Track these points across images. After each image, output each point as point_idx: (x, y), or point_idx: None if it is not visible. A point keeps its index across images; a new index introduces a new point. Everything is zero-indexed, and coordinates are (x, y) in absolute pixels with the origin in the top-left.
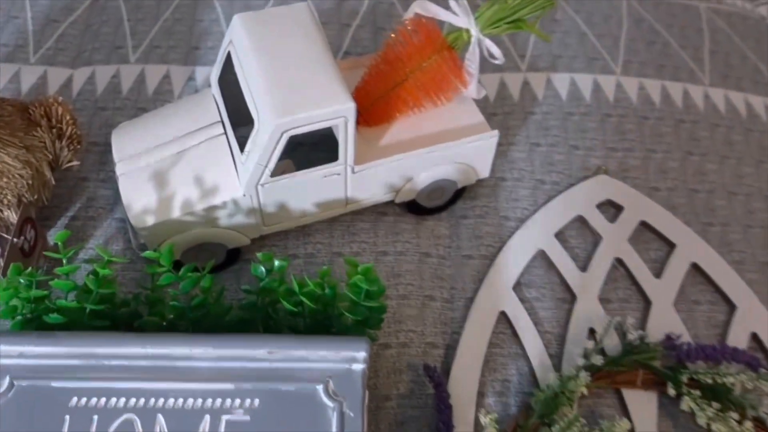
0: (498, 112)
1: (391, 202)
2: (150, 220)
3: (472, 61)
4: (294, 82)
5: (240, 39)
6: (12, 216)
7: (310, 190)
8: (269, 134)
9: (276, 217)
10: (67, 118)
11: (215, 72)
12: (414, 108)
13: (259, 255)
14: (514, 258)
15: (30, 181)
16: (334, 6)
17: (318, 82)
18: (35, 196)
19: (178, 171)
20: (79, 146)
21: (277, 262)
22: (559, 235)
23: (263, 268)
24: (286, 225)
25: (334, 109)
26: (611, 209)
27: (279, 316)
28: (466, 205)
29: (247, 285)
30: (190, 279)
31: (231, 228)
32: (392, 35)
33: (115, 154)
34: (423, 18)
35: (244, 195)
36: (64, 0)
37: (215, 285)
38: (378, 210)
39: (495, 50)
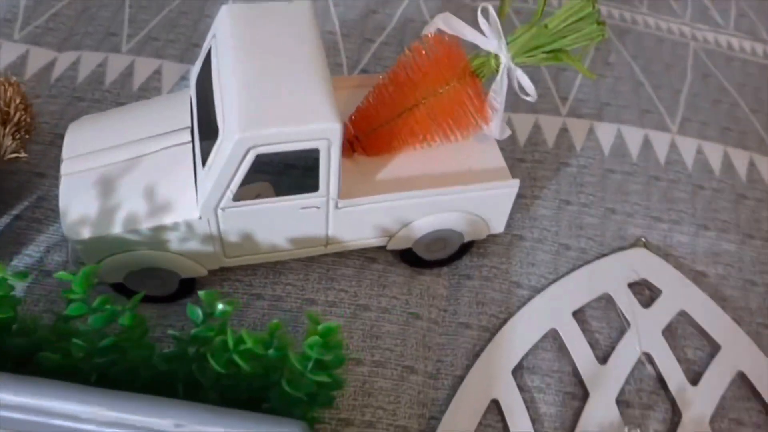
0: (527, 158)
1: (382, 247)
2: (86, 233)
3: (497, 94)
4: (272, 89)
5: (223, 33)
6: None
7: (283, 223)
8: (231, 149)
9: (239, 248)
10: (17, 101)
11: (195, 69)
12: (423, 141)
13: (201, 293)
14: (520, 334)
15: None
16: (358, 18)
17: (300, 94)
18: None
19: (128, 180)
20: (27, 136)
21: (220, 306)
22: (579, 314)
23: (200, 311)
24: (252, 259)
25: (313, 129)
26: (646, 291)
27: (207, 376)
28: (473, 262)
29: (175, 331)
30: (105, 313)
31: (184, 254)
32: (407, 51)
33: (64, 151)
34: (445, 36)
35: (201, 218)
36: None
37: (138, 325)
38: (366, 254)
39: (527, 83)
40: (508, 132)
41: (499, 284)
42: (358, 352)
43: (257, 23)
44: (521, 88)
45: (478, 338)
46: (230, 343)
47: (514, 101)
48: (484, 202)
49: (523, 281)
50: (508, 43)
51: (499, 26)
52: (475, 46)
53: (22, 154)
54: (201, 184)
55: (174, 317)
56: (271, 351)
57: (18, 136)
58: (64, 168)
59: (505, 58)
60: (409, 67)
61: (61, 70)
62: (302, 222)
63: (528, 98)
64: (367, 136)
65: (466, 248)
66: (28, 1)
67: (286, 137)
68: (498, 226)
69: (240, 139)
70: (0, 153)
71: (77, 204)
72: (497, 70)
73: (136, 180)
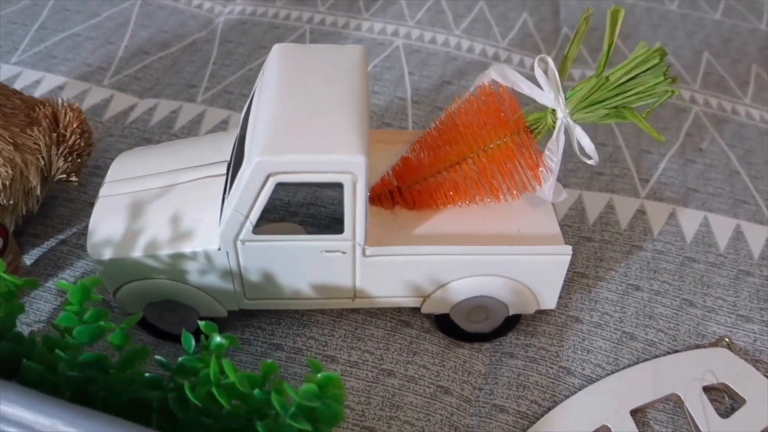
0: (595, 237)
1: (417, 310)
2: (107, 254)
3: (553, 153)
4: (303, 121)
5: (270, 68)
6: None
7: (306, 266)
8: (249, 173)
9: (260, 290)
10: (74, 125)
11: (245, 107)
12: (469, 198)
13: (201, 324)
14: (565, 427)
15: (7, 182)
16: (431, 87)
17: (331, 127)
18: (11, 201)
19: (157, 206)
20: (79, 161)
21: (218, 339)
22: (638, 414)
23: (192, 340)
24: (273, 304)
25: (336, 160)
26: (726, 399)
27: (184, 409)
28: (518, 340)
29: (165, 359)
30: (92, 326)
31: (202, 289)
32: (457, 101)
33: (108, 175)
34: (499, 88)
35: (220, 249)
36: (165, 36)
37: (128, 344)
38: (400, 316)
39: (587, 143)
40: (564, 195)
41: (546, 368)
42: (374, 420)
43: (305, 60)
44: (581, 148)
45: (514, 425)
46: (212, 376)
47: (589, 179)
48: (532, 269)
49: (574, 368)
50: (567, 98)
51: (558, 78)
52: (531, 101)
53: (73, 178)
54: (223, 213)
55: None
56: (256, 391)
57: (70, 159)
58: (103, 191)
59: (562, 114)
60: (458, 119)
61: (138, 114)
62: (327, 268)
63: (590, 161)
64: (410, 189)
65: (512, 323)
66: (124, 53)
67: (307, 166)
68: (548, 300)
69: (259, 163)
70: (52, 173)
71: (105, 225)
72: (554, 127)
73: (165, 207)
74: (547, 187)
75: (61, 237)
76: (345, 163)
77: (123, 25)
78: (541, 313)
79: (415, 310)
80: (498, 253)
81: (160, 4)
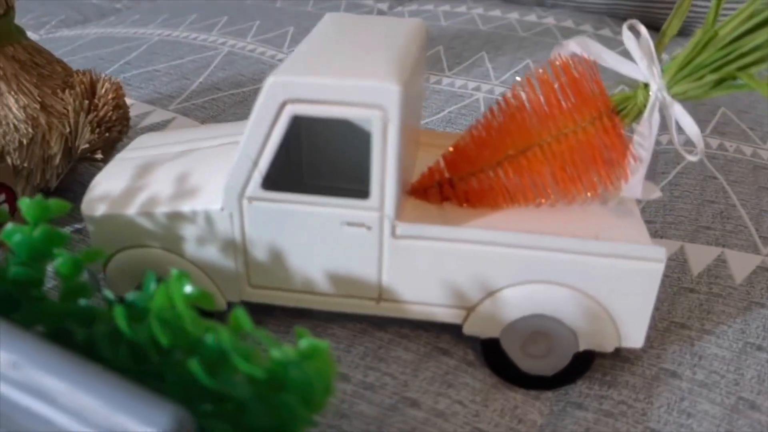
0: (700, 289)
1: (459, 340)
2: (100, 210)
3: (644, 138)
4: (336, 53)
5: (317, 28)
6: None
7: (323, 244)
8: (262, 98)
9: (267, 274)
10: (109, 96)
11: None
12: (535, 195)
13: (174, 271)
14: None
15: (24, 141)
16: None
17: (365, 58)
18: (26, 164)
19: (168, 167)
20: (107, 135)
21: (188, 287)
22: None
23: (154, 279)
24: (281, 297)
25: (363, 87)
26: None
27: (113, 348)
28: (591, 389)
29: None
30: (34, 241)
31: (200, 267)
32: (527, 77)
33: (129, 145)
34: (580, 61)
35: (222, 209)
36: (241, 79)
37: (77, 277)
38: (437, 342)
39: (689, 125)
40: (658, 193)
41: (629, 427)
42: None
43: (356, 23)
44: (681, 131)
45: None
46: (156, 304)
47: (693, 232)
48: (611, 279)
49: None
50: (663, 70)
51: (652, 46)
52: (618, 78)
53: (98, 155)
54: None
55: None
56: (209, 337)
57: (98, 131)
58: (119, 155)
59: (656, 86)
60: (528, 98)
61: None
62: (348, 250)
63: (691, 156)
64: (463, 181)
65: (582, 366)
66: (197, 88)
67: (329, 93)
68: (634, 334)
69: (273, 84)
70: (77, 143)
71: (107, 182)
72: (645, 107)
73: (174, 168)
74: (635, 180)
75: (77, 226)
76: (375, 91)
77: (203, 67)
78: (624, 360)
79: (458, 338)
80: (566, 248)
81: (245, 54)
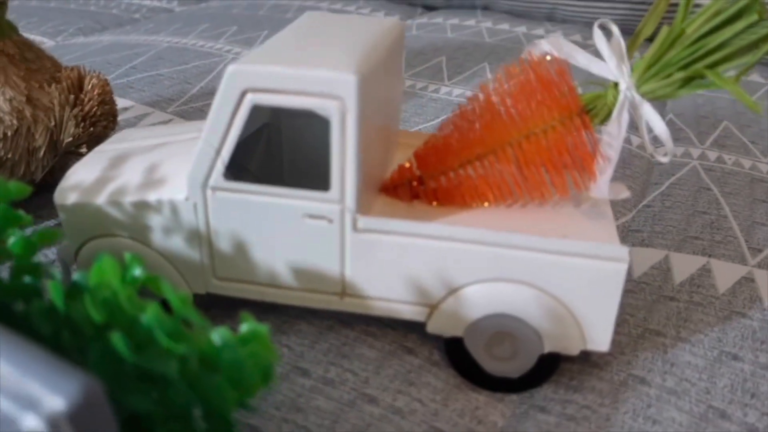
0: (680, 298)
1: (425, 341)
2: (72, 198)
3: (613, 137)
4: (297, 45)
5: (292, 25)
6: None
7: (285, 237)
8: (223, 88)
9: (232, 266)
10: (95, 92)
11: None
12: (505, 195)
13: (128, 254)
14: None
15: (9, 132)
16: None
17: (326, 51)
18: (10, 155)
19: (140, 159)
20: (91, 129)
21: (137, 270)
22: None
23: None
24: (246, 290)
25: (320, 77)
26: None
27: (47, 322)
28: (556, 394)
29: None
30: None
31: (167, 257)
32: (498, 74)
33: (108, 140)
34: (552, 60)
35: (187, 199)
36: None
37: (30, 257)
38: (404, 341)
39: (658, 124)
40: (626, 194)
41: None
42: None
43: (331, 20)
44: (650, 132)
45: None
46: (91, 280)
47: (680, 241)
48: (574, 279)
49: None
50: (633, 68)
51: (623, 45)
52: (589, 78)
53: (83, 149)
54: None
55: None
56: (145, 317)
57: (83, 125)
58: (97, 147)
59: (625, 85)
60: (499, 97)
61: None
62: (310, 243)
63: (662, 157)
64: (434, 179)
65: (548, 369)
66: (198, 92)
67: (286, 83)
68: (599, 336)
69: (233, 73)
70: (62, 137)
71: (81, 173)
72: (614, 106)
73: (145, 159)
74: (603, 180)
75: (56, 221)
76: (331, 81)
77: (206, 72)
78: (592, 366)
79: (424, 337)
80: (528, 246)
81: None
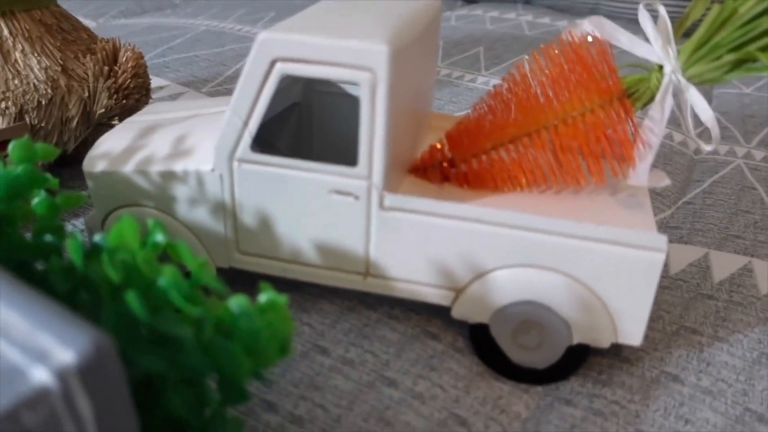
0: (719, 296)
1: (449, 326)
2: (99, 166)
3: (655, 123)
4: (333, 19)
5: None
6: (0, 124)
7: (310, 212)
8: (252, 56)
9: (256, 240)
10: (129, 64)
11: None
12: (537, 181)
13: (150, 220)
14: None
15: (43, 101)
16: None
17: (359, 23)
18: (43, 123)
19: (169, 130)
20: (124, 101)
21: (159, 236)
22: None
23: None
24: (269, 266)
25: (352, 47)
26: None
27: (65, 280)
28: (583, 387)
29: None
30: (9, 175)
31: (192, 228)
32: (536, 55)
33: (142, 110)
34: (593, 42)
35: (213, 170)
36: None
37: (54, 219)
38: (427, 326)
39: (704, 109)
40: (666, 182)
41: (617, 428)
42: (349, 431)
43: None
44: (696, 119)
45: None
46: (110, 240)
47: (721, 239)
48: (607, 267)
49: None
50: (679, 51)
51: (670, 27)
52: (633, 61)
53: (115, 121)
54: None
55: None
56: (162, 279)
57: (116, 97)
58: (128, 118)
59: (670, 68)
60: (536, 79)
61: None
62: (335, 220)
63: (707, 147)
64: (466, 162)
65: (576, 360)
66: (233, 73)
67: (317, 53)
68: (632, 329)
69: (263, 41)
70: (95, 108)
71: (110, 142)
72: (657, 90)
73: (175, 130)
74: (643, 167)
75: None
76: (363, 52)
77: (242, 55)
78: (623, 361)
79: (449, 323)
80: (560, 231)
81: None
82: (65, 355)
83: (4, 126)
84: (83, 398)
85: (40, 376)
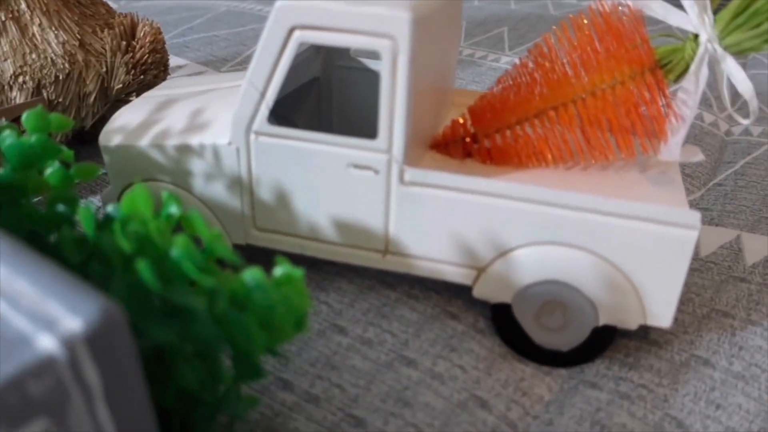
0: (752, 279)
1: (470, 306)
2: (116, 140)
3: (689, 95)
4: None
5: None
6: (17, 99)
7: (329, 188)
8: (270, 24)
9: (273, 216)
10: (146, 39)
11: None
12: (563, 156)
13: (164, 193)
14: None
15: (61, 76)
16: None
17: None
18: (61, 98)
19: (185, 104)
20: (142, 77)
21: (174, 207)
22: None
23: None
24: (286, 242)
25: (372, 14)
26: None
27: (76, 251)
28: (610, 369)
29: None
30: (22, 145)
31: (209, 203)
32: (564, 24)
33: (159, 86)
34: (624, 10)
35: (230, 144)
36: None
37: (67, 190)
38: (447, 306)
39: (742, 80)
40: (700, 156)
41: (645, 412)
42: (367, 411)
43: None
44: (732, 91)
45: None
46: (123, 210)
47: (755, 221)
48: (637, 246)
49: (691, 423)
50: (716, 18)
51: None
52: (666, 30)
53: (133, 97)
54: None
55: None
56: (175, 251)
57: (133, 72)
58: (145, 93)
59: (706, 36)
60: (563, 49)
61: None
62: (354, 195)
63: (743, 121)
64: (488, 137)
65: (601, 343)
66: (252, 53)
67: (336, 20)
68: (661, 311)
69: (281, 8)
70: (112, 84)
71: (127, 116)
72: (692, 60)
73: (191, 105)
74: (675, 142)
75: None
76: (384, 19)
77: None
78: (651, 343)
79: (470, 303)
80: (586, 207)
81: None
82: (73, 322)
83: (21, 101)
84: (91, 367)
85: (47, 343)
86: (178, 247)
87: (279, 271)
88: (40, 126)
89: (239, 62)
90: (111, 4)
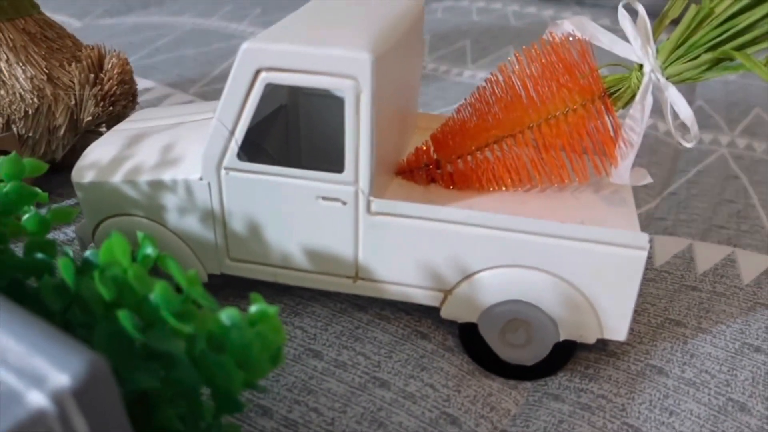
0: (703, 288)
1: (439, 326)
2: (88, 177)
3: (636, 122)
4: (315, 26)
5: (307, 5)
6: None
7: (299, 218)
8: (236, 67)
9: (245, 247)
10: (115, 71)
11: None
12: (521, 180)
13: (140, 233)
14: None
15: (30, 111)
16: None
17: (341, 31)
18: (31, 133)
19: (156, 138)
20: (111, 108)
21: (149, 249)
22: None
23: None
24: (260, 271)
25: (335, 56)
26: None
27: (58, 299)
28: (571, 382)
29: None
30: None
31: (182, 236)
32: (517, 56)
33: (128, 118)
34: (574, 42)
35: (202, 179)
36: None
37: (43, 234)
38: (417, 326)
39: (683, 107)
40: (648, 179)
41: (604, 421)
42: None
43: (347, 2)
44: (675, 117)
45: None
46: (101, 257)
47: (705, 230)
48: (591, 265)
49: (647, 430)
50: (658, 49)
51: (649, 26)
52: (613, 60)
53: (102, 128)
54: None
55: None
56: (154, 295)
57: (102, 104)
58: (116, 126)
59: (650, 67)
60: (518, 78)
61: None
62: (324, 225)
63: (686, 143)
64: (450, 163)
65: (563, 357)
66: (220, 73)
67: (301, 62)
68: (617, 325)
69: (246, 51)
70: (82, 116)
71: (98, 151)
72: (638, 89)
73: (162, 139)
74: (624, 166)
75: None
76: (346, 60)
77: (229, 53)
78: (609, 355)
79: (439, 323)
80: (545, 231)
81: None
82: (60, 378)
83: None
84: (80, 419)
85: (37, 400)
86: (156, 294)
87: (254, 308)
88: (15, 173)
89: (206, 83)
90: (75, 22)
